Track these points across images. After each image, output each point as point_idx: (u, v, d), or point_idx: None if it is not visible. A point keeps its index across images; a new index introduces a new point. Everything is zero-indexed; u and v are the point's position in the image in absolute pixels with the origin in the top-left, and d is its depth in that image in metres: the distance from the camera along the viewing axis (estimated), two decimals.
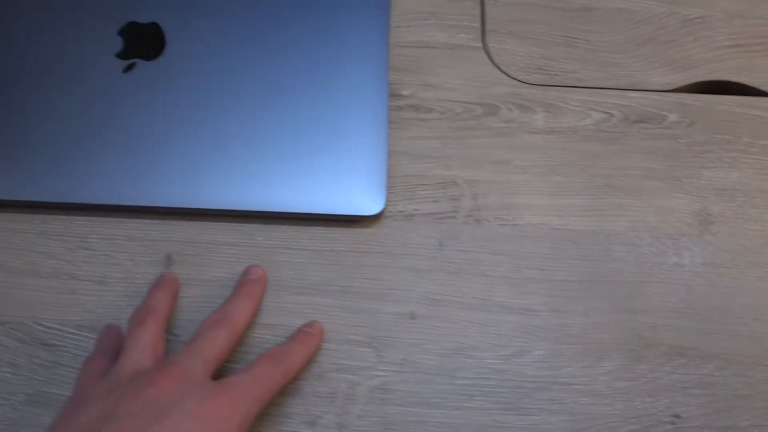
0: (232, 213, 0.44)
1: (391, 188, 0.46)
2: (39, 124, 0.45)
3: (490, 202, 0.46)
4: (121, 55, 0.47)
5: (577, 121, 0.49)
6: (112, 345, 0.39)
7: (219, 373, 0.38)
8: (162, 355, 0.37)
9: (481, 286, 0.44)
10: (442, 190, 0.47)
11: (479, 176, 0.47)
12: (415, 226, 0.45)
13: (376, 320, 0.43)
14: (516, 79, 0.50)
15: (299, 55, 0.47)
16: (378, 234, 0.45)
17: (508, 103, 0.49)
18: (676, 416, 0.42)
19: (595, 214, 0.46)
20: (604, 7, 0.52)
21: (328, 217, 0.45)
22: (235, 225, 0.45)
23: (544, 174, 0.47)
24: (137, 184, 0.44)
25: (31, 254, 0.44)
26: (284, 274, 0.44)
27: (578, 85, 0.50)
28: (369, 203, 0.44)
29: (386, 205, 0.45)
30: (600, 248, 0.45)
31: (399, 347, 0.43)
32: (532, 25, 0.52)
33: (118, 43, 0.47)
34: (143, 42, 0.47)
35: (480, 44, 0.51)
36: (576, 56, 0.51)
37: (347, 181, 0.44)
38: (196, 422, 0.32)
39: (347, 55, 0.48)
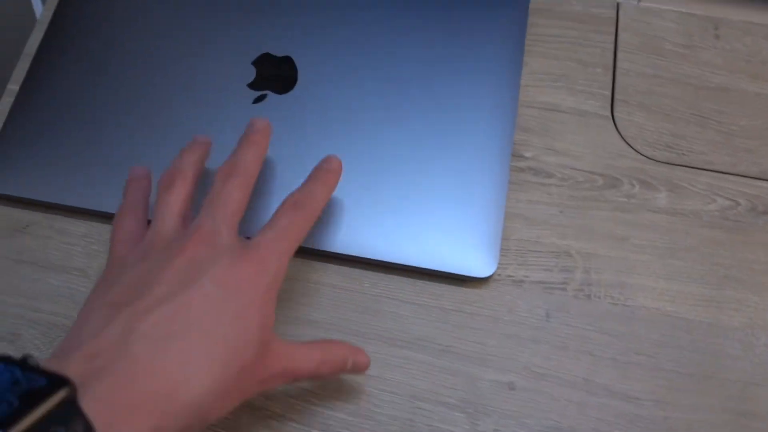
0: (340, 256, 0.44)
1: (503, 251, 0.45)
2: (160, 144, 0.46)
3: (603, 278, 0.45)
4: (252, 85, 0.47)
5: (701, 205, 0.47)
6: (140, 198, 0.39)
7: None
8: (190, 217, 0.37)
9: (586, 365, 0.43)
10: (554, 259, 0.45)
11: (595, 250, 0.46)
12: (524, 293, 0.44)
13: (473, 385, 0.42)
14: (642, 154, 0.48)
15: (429, 102, 0.47)
16: (485, 296, 0.44)
17: (632, 178, 0.48)
18: None
19: (712, 305, 0.44)
20: (741, 90, 0.51)
21: (438, 273, 0.44)
22: (344, 268, 0.45)
23: (663, 256, 0.45)
24: (250, 219, 0.44)
25: None
26: (387, 325, 0.43)
27: (706, 167, 0.48)
28: (481, 265, 0.43)
29: (497, 268, 0.43)
30: (714, 342, 0.43)
31: (494, 417, 0.42)
32: (664, 99, 0.50)
33: (251, 73, 0.48)
34: (276, 75, 0.47)
35: (608, 113, 0.50)
36: (707, 137, 0.49)
37: (461, 239, 0.44)
38: (223, 288, 0.32)
39: (476, 107, 0.47)
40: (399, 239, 0.44)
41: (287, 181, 0.45)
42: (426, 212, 0.45)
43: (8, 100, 0.49)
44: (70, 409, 0.26)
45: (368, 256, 0.44)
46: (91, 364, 0.28)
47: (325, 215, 0.44)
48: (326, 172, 0.39)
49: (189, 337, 0.30)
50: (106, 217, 0.46)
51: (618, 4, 0.53)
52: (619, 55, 0.51)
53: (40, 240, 0.46)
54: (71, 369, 0.27)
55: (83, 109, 0.47)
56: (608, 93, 0.50)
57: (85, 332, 0.30)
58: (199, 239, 0.33)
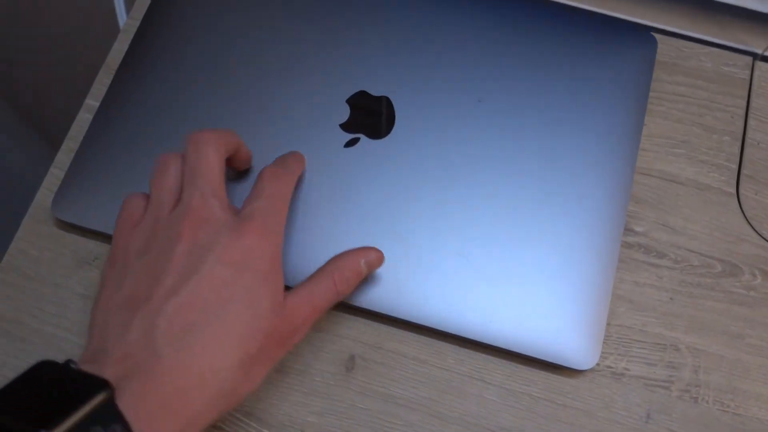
0: (427, 328, 0.40)
1: (604, 338, 0.40)
2: (246, 175, 0.43)
3: (712, 380, 0.40)
4: (345, 126, 0.43)
5: None
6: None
7: None
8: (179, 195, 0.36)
9: None
10: (660, 353, 0.41)
11: (706, 346, 0.41)
12: (623, 388, 0.40)
13: None
14: (767, 240, 0.43)
15: (537, 160, 0.43)
16: (580, 387, 0.40)
17: (753, 267, 0.43)
18: None
19: None
20: None
21: (531, 358, 0.40)
22: (428, 340, 0.41)
23: None
24: None
25: None
26: (471, 409, 0.40)
27: None
28: (581, 356, 0.39)
29: None
30: None
31: None
32: None
33: (344, 111, 0.44)
34: (371, 116, 0.43)
35: (733, 189, 0.44)
36: None
37: (562, 323, 0.40)
38: (229, 266, 0.32)
39: (590, 171, 0.43)
40: (492, 315, 0.40)
41: (375, 236, 0.41)
42: (525, 287, 0.40)
43: (86, 116, 0.46)
44: (109, 411, 0.27)
45: (458, 333, 0.40)
46: (123, 366, 0.30)
47: (415, 282, 0.40)
48: (293, 154, 0.41)
49: (207, 324, 0.31)
50: None
51: (753, 63, 0.47)
52: (751, 122, 0.46)
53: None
54: (106, 371, 0.29)
55: (166, 133, 0.44)
56: (734, 166, 0.45)
57: (110, 337, 0.31)
58: (193, 220, 0.34)
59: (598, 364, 0.40)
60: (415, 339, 0.41)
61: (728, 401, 0.40)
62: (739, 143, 0.46)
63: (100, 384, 0.28)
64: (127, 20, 0.49)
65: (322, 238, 0.41)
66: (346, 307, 0.41)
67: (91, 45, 0.54)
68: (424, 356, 0.41)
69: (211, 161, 0.36)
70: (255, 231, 0.34)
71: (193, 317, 0.31)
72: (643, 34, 0.47)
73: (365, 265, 0.38)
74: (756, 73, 0.47)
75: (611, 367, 0.41)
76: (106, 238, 0.43)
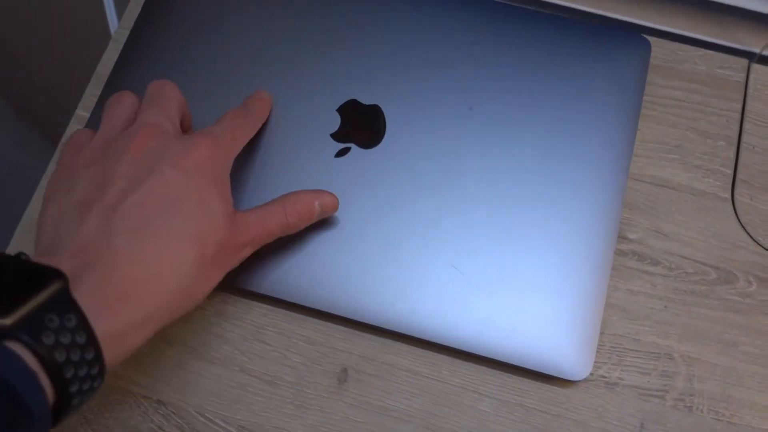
0: (420, 340, 0.40)
1: (597, 347, 0.40)
2: (235, 185, 0.42)
3: (707, 389, 0.40)
4: (336, 136, 0.43)
5: None
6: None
7: None
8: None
9: None
10: (654, 361, 0.41)
11: (700, 355, 0.41)
12: (617, 398, 0.40)
13: None
14: (763, 247, 0.43)
15: (529, 166, 0.43)
16: (573, 398, 0.40)
17: (748, 274, 0.42)
18: None
19: None
20: None
21: (524, 369, 0.40)
22: (421, 351, 0.41)
23: None
24: (325, 286, 0.41)
25: (205, 335, 0.41)
26: (464, 421, 0.40)
27: None
28: (574, 367, 0.39)
29: None
30: None
31: None
32: None
33: (335, 120, 0.44)
34: (361, 125, 0.43)
35: (727, 195, 0.44)
36: None
37: (555, 333, 0.40)
38: (181, 169, 0.33)
39: (582, 177, 0.42)
40: (485, 326, 0.40)
41: (367, 247, 0.41)
42: (517, 297, 0.40)
43: (77, 127, 0.46)
44: (64, 300, 0.27)
45: (451, 344, 0.40)
46: (78, 259, 0.30)
47: (407, 294, 0.40)
48: (259, 96, 0.43)
49: (161, 221, 0.32)
50: None
51: (749, 66, 0.46)
52: (746, 126, 0.45)
53: None
54: (61, 264, 0.29)
55: None
56: (730, 171, 0.45)
57: (64, 232, 0.31)
58: (146, 132, 0.34)
59: (591, 374, 0.40)
60: (408, 351, 0.41)
61: (722, 410, 0.40)
62: (734, 148, 0.45)
63: (54, 273, 0.28)
64: (117, 29, 0.49)
65: (313, 250, 0.41)
66: (338, 318, 0.41)
67: (83, 53, 0.53)
68: (418, 368, 0.41)
69: (173, 96, 0.37)
70: (206, 144, 0.35)
71: (148, 214, 0.32)
72: (637, 38, 0.46)
73: (319, 206, 0.39)
74: (751, 75, 0.47)
75: (605, 377, 0.41)
76: None
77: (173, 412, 0.40)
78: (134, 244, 0.31)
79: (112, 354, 0.29)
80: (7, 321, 0.26)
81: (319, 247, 0.41)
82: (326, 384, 0.41)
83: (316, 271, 0.41)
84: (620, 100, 0.44)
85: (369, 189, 0.42)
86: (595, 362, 0.40)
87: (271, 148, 0.43)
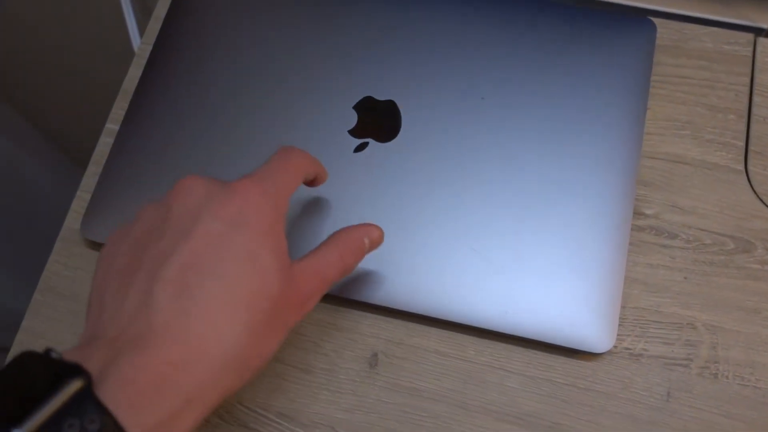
0: (447, 321, 0.42)
1: (620, 320, 0.41)
2: None
3: (731, 356, 0.41)
4: (353, 132, 0.45)
5: None
6: None
7: None
8: None
9: None
10: (677, 332, 0.42)
11: (722, 323, 0.42)
12: (642, 368, 0.41)
13: None
14: None
15: (543, 151, 0.44)
16: (599, 370, 0.41)
17: (766, 242, 0.43)
18: None
19: None
20: None
21: (549, 344, 0.41)
22: (447, 333, 0.42)
23: None
24: (352, 276, 0.42)
25: None
26: (493, 398, 0.41)
27: None
28: (597, 339, 0.40)
29: None
30: None
31: None
32: None
33: (352, 117, 0.45)
34: (378, 120, 0.45)
35: (741, 167, 0.45)
36: None
37: (576, 308, 0.41)
38: (225, 221, 0.30)
39: (596, 158, 0.43)
40: (508, 305, 0.41)
41: (390, 236, 0.42)
42: (538, 276, 0.41)
43: (107, 140, 0.48)
44: (85, 400, 0.24)
45: (476, 324, 0.41)
46: (113, 346, 0.27)
47: (431, 278, 0.41)
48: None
49: (206, 285, 0.28)
50: None
51: (756, 40, 0.47)
52: (755, 99, 0.46)
53: None
54: (93, 356, 0.26)
55: (183, 152, 0.46)
56: (741, 143, 0.45)
57: (106, 313, 0.29)
58: (181, 190, 0.31)
59: (615, 347, 0.41)
60: (435, 333, 0.43)
61: (748, 375, 0.41)
62: (744, 120, 0.46)
63: (73, 372, 0.25)
64: (140, 45, 0.51)
65: None
66: (365, 305, 0.42)
67: (109, 70, 0.56)
68: (445, 349, 0.42)
69: (280, 164, 0.34)
70: (252, 189, 0.31)
71: (189, 278, 0.28)
72: (642, 20, 0.47)
73: (368, 241, 0.36)
74: (758, 49, 0.48)
75: (629, 349, 0.42)
76: None
77: None
78: (173, 318, 0.27)
79: None
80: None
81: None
82: (358, 369, 0.42)
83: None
84: (629, 82, 0.46)
85: (388, 181, 0.44)
86: (618, 335, 0.41)
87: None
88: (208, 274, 0.28)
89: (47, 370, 0.25)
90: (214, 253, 0.29)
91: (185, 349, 0.27)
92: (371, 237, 0.37)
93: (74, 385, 0.24)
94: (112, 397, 0.25)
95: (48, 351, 0.26)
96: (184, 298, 0.28)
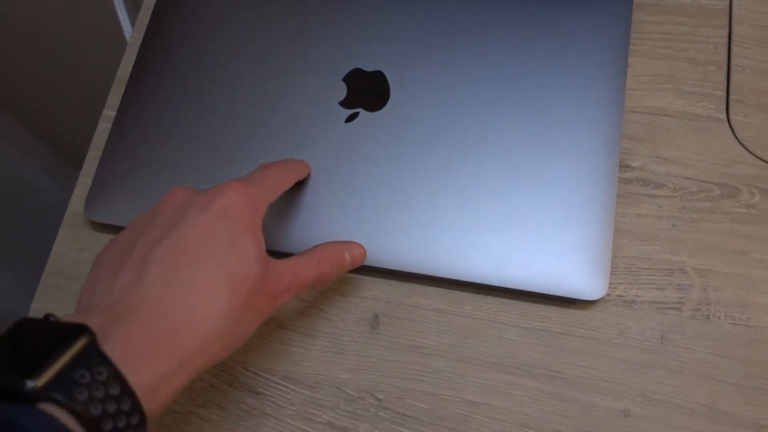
0: (443, 279, 0.43)
1: (612, 269, 0.43)
2: (255, 162, 0.45)
3: (722, 297, 0.42)
4: (344, 103, 0.46)
5: None
6: None
7: None
8: None
9: (707, 391, 0.40)
10: (668, 277, 0.43)
11: (711, 266, 0.43)
12: (635, 314, 0.42)
13: (586, 413, 0.40)
14: (762, 159, 0.45)
15: (528, 113, 0.45)
16: (594, 318, 0.42)
17: (751, 186, 0.44)
18: None
19: None
20: None
21: (544, 296, 0.42)
22: (445, 291, 0.43)
23: None
24: (349, 240, 0.43)
25: None
26: (493, 350, 0.42)
27: None
28: (590, 287, 0.41)
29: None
30: None
31: None
32: None
33: (342, 90, 0.47)
34: (367, 91, 0.46)
35: (723, 116, 0.46)
36: None
37: (569, 259, 0.42)
38: (211, 213, 0.34)
39: (579, 116, 0.45)
40: (502, 260, 0.42)
41: (385, 200, 0.44)
42: (530, 231, 0.43)
43: (105, 125, 0.49)
44: (93, 354, 0.27)
45: (472, 280, 0.42)
46: (110, 313, 0.29)
47: (427, 239, 0.43)
48: (298, 161, 0.44)
49: (192, 265, 0.31)
50: None
51: None
52: (734, 50, 0.48)
53: None
54: (91, 321, 0.28)
55: (178, 131, 0.47)
56: (722, 93, 0.47)
57: (98, 292, 0.31)
58: (170, 196, 0.35)
59: (609, 294, 0.43)
60: (432, 291, 0.44)
61: (739, 315, 0.42)
62: (724, 71, 0.48)
63: (80, 330, 0.27)
64: (132, 33, 0.53)
65: (337, 209, 0.44)
66: (365, 269, 0.44)
67: (103, 63, 0.57)
68: (444, 306, 0.44)
69: (260, 173, 0.39)
70: (234, 189, 0.35)
71: (179, 259, 0.32)
72: None
73: (349, 257, 0.40)
74: (734, 2, 0.49)
75: (622, 296, 0.43)
76: None
77: (221, 370, 0.43)
78: (165, 291, 0.31)
79: (150, 403, 0.29)
80: (38, 383, 0.25)
81: (342, 205, 0.44)
82: (360, 330, 0.43)
83: (341, 227, 0.44)
84: (609, 40, 0.47)
85: (380, 148, 0.45)
86: (611, 283, 0.43)
87: (287, 125, 0.46)
88: (195, 256, 0.32)
89: (51, 331, 0.28)
90: (202, 238, 0.32)
91: (175, 319, 0.30)
92: (352, 253, 0.40)
93: (82, 340, 0.27)
94: (114, 353, 0.28)
95: (47, 316, 0.29)
96: (174, 274, 0.31)
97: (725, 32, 0.48)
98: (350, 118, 0.46)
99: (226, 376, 0.43)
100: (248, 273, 0.33)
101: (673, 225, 0.44)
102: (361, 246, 0.41)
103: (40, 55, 0.77)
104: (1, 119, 0.76)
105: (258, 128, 0.46)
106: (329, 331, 0.43)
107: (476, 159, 0.44)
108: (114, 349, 0.28)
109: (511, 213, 0.43)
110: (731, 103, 0.46)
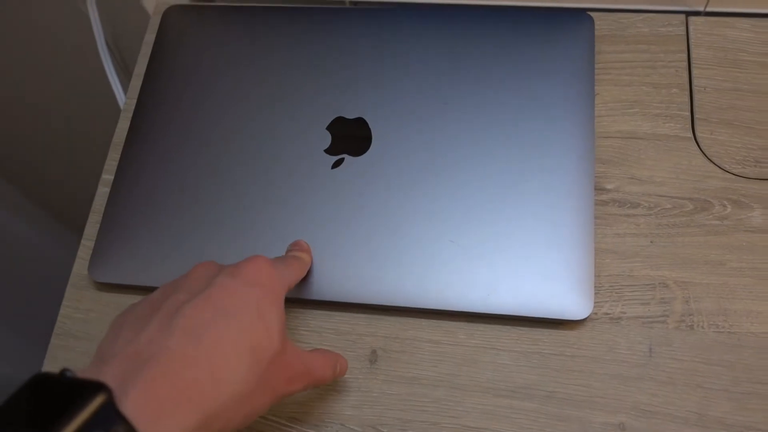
0: (434, 311, 0.45)
1: (596, 288, 0.44)
2: (250, 216, 0.48)
3: (704, 307, 0.44)
4: (329, 150, 0.49)
5: None
6: None
7: None
8: None
9: (697, 399, 0.42)
10: (650, 292, 0.45)
11: (691, 278, 0.45)
12: (623, 330, 0.44)
13: (583, 429, 0.42)
14: (730, 173, 0.47)
15: (505, 147, 0.47)
16: (583, 337, 0.44)
17: (722, 199, 0.46)
18: None
19: None
20: None
21: (533, 319, 0.44)
22: (438, 322, 0.45)
23: (765, 277, 0.44)
24: (344, 281, 0.45)
25: None
26: (488, 376, 0.44)
27: None
28: (576, 307, 0.43)
29: (593, 308, 0.43)
30: None
31: None
32: (747, 113, 0.49)
33: (326, 138, 0.49)
34: (350, 137, 0.49)
35: (689, 134, 0.48)
36: None
37: (553, 282, 0.44)
38: (240, 279, 0.34)
39: (553, 147, 0.47)
40: (490, 288, 0.44)
41: (375, 240, 0.46)
42: (515, 258, 0.45)
43: (104, 190, 0.52)
44: (109, 413, 0.26)
45: (463, 309, 0.44)
46: (130, 364, 0.29)
47: (416, 273, 0.45)
48: (302, 249, 0.45)
49: (220, 324, 0.31)
50: None
51: (687, 19, 0.51)
52: (695, 72, 0.50)
53: None
54: (109, 373, 0.28)
55: (173, 190, 0.49)
56: (687, 113, 0.49)
57: (120, 341, 0.31)
58: (202, 265, 0.36)
59: (595, 313, 0.44)
60: (426, 324, 0.46)
61: (721, 322, 0.44)
62: (687, 92, 0.50)
63: (96, 387, 0.26)
64: (125, 100, 0.55)
65: (330, 251, 0.46)
66: (359, 307, 0.46)
67: (97, 128, 0.60)
68: (438, 337, 0.45)
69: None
70: (265, 264, 0.36)
71: (207, 317, 0.32)
72: (580, 14, 0.52)
73: (339, 368, 0.42)
74: (691, 27, 0.52)
75: (608, 314, 0.45)
76: (142, 290, 0.48)
77: None
78: (191, 344, 0.30)
79: None
80: None
81: (334, 247, 0.46)
82: (360, 367, 0.45)
83: (335, 269, 0.46)
84: (575, 71, 0.50)
85: (366, 189, 0.48)
86: (597, 302, 0.44)
87: (277, 174, 0.49)
88: (223, 316, 0.32)
89: (66, 388, 0.27)
90: (231, 300, 0.33)
91: (200, 373, 0.30)
92: (341, 365, 0.42)
93: (98, 399, 0.26)
94: (133, 409, 0.27)
95: (63, 371, 0.27)
96: (201, 330, 0.31)
97: (684, 56, 0.51)
98: (336, 164, 0.48)
99: None
100: (270, 344, 0.33)
101: (651, 241, 0.46)
102: (344, 358, 0.43)
103: (38, 125, 0.80)
104: (1, 188, 0.79)
105: (251, 182, 0.49)
106: None
107: (459, 193, 0.47)
108: (134, 404, 0.27)
109: (496, 242, 0.45)
110: (696, 122, 0.49)
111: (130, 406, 0.27)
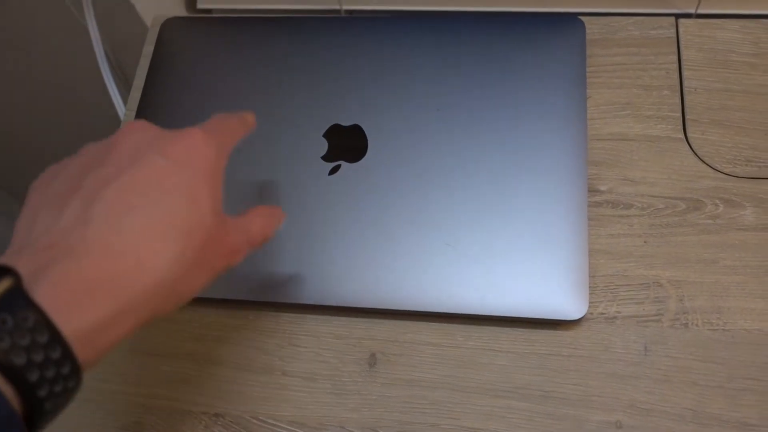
0: (432, 314, 0.45)
1: (591, 289, 0.45)
2: None
3: (697, 305, 0.45)
4: (326, 157, 0.49)
5: None
6: None
7: None
8: None
9: (693, 396, 0.42)
10: (645, 291, 0.45)
11: (685, 277, 0.45)
12: (618, 329, 0.44)
13: (580, 428, 0.42)
14: (722, 172, 0.48)
15: (499, 152, 0.48)
16: (579, 337, 0.44)
17: (714, 198, 0.47)
18: None
19: None
20: None
21: (529, 320, 0.44)
22: (436, 325, 0.46)
23: (757, 275, 0.45)
24: (342, 285, 0.46)
25: (246, 350, 0.47)
26: (485, 377, 0.44)
27: None
28: (571, 307, 0.44)
29: (588, 308, 0.44)
30: None
31: None
32: (737, 113, 0.49)
33: (323, 145, 0.50)
34: (347, 144, 0.49)
35: (681, 135, 0.49)
36: None
37: (549, 283, 0.44)
38: (172, 159, 0.31)
39: (546, 150, 0.48)
40: (487, 290, 0.45)
41: (372, 244, 0.46)
42: (510, 260, 0.45)
43: None
44: (17, 298, 0.25)
45: (460, 311, 0.45)
46: (46, 254, 0.27)
47: (413, 277, 0.45)
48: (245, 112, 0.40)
49: (145, 211, 0.29)
50: (210, 303, 0.48)
51: (677, 21, 0.52)
52: (685, 73, 0.51)
53: (147, 327, 0.48)
54: (22, 261, 0.26)
55: None
56: (678, 114, 0.50)
57: (38, 228, 0.29)
58: (129, 129, 0.32)
59: (591, 313, 0.45)
60: (424, 327, 0.46)
61: (715, 320, 0.44)
62: (678, 94, 0.51)
63: (3, 271, 0.25)
64: (125, 112, 0.56)
65: (327, 255, 0.47)
66: (358, 311, 0.46)
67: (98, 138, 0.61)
68: (436, 339, 0.46)
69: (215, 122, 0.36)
70: (198, 135, 0.32)
71: (131, 201, 0.29)
72: (571, 19, 0.52)
73: (277, 220, 0.39)
74: (681, 29, 0.53)
75: (603, 313, 0.45)
76: None
77: (231, 421, 0.45)
78: (111, 233, 0.28)
79: (86, 351, 0.26)
80: None
81: (331, 251, 0.47)
82: (359, 370, 0.46)
83: (332, 273, 0.47)
84: (567, 75, 0.50)
85: (363, 195, 0.48)
86: (592, 302, 0.45)
87: (276, 181, 0.50)
88: (148, 200, 0.29)
89: None
90: (157, 183, 0.30)
91: (119, 264, 0.28)
92: (278, 216, 0.39)
93: (5, 283, 0.25)
94: (44, 297, 0.25)
95: None
96: (123, 218, 0.28)
97: (675, 58, 0.52)
98: (333, 171, 0.49)
99: (236, 426, 0.45)
100: (203, 225, 0.31)
101: (645, 241, 0.47)
102: (281, 210, 0.40)
103: (38, 137, 0.81)
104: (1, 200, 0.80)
105: (249, 188, 0.49)
106: (329, 373, 0.46)
107: (454, 197, 0.47)
108: (45, 293, 0.25)
109: (491, 245, 0.46)
110: (687, 123, 0.49)
111: (40, 295, 0.25)
